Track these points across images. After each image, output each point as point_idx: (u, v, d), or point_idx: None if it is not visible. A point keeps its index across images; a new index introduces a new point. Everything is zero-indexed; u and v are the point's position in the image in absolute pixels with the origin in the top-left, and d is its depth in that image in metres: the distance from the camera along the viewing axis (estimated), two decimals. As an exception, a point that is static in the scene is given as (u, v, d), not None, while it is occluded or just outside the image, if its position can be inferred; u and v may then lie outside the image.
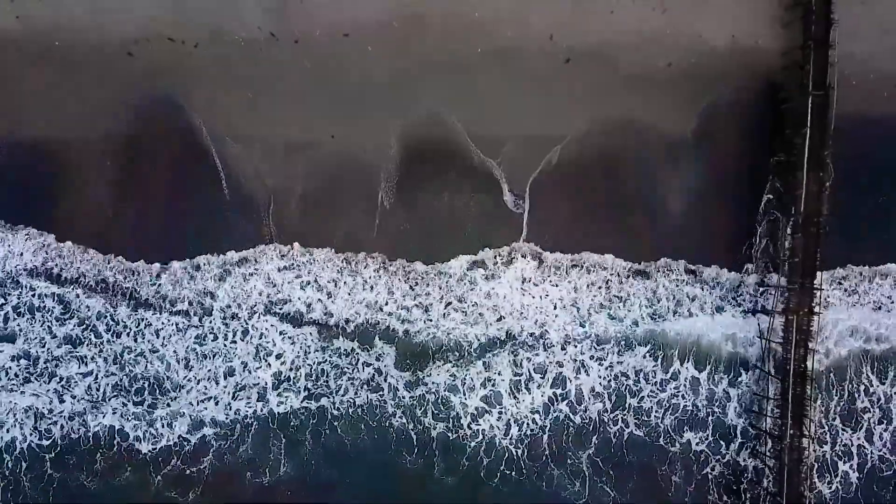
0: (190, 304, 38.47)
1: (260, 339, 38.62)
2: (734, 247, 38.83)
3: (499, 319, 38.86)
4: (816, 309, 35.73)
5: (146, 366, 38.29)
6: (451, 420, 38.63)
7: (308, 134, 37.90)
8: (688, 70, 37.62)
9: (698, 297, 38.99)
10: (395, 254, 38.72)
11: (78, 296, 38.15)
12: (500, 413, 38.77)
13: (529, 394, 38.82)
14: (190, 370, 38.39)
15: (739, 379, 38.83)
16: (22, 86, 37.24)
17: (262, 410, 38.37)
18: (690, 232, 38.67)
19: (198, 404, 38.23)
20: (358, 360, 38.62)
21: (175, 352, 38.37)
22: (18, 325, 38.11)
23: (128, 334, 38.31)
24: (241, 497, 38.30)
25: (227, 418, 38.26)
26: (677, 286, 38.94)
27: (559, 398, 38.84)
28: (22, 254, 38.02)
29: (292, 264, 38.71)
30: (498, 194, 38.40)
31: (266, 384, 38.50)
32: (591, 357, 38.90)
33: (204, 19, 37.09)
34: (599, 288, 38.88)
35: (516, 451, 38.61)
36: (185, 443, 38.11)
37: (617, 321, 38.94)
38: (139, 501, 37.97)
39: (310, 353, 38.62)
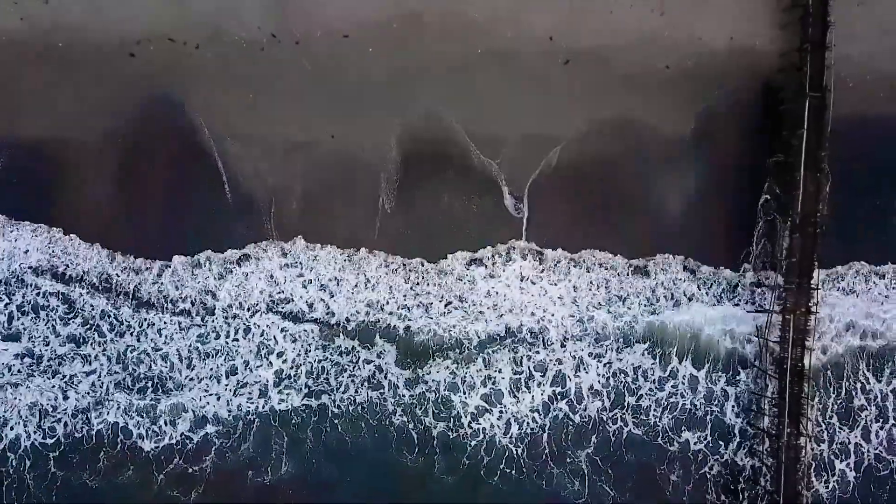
0: (192, 303, 38.66)
1: (262, 336, 38.78)
2: (732, 246, 39.00)
3: (499, 316, 38.99)
4: (813, 308, 35.90)
5: (150, 365, 38.44)
6: (451, 420, 38.75)
7: (308, 134, 38.12)
8: (686, 71, 37.87)
9: (696, 295, 39.14)
10: (396, 252, 38.87)
11: (81, 295, 38.36)
12: (500, 412, 38.88)
13: (529, 392, 38.97)
14: (192, 369, 38.58)
15: (738, 378, 38.98)
16: (25, 85, 37.50)
17: (263, 407, 38.51)
18: (689, 232, 38.87)
19: (200, 399, 38.39)
20: (358, 357, 38.77)
21: (178, 350, 38.53)
22: (23, 323, 38.32)
23: (131, 333, 38.50)
24: (243, 496, 38.40)
25: (229, 415, 38.39)
26: (675, 284, 39.11)
27: (559, 397, 38.97)
28: (27, 251, 38.19)
29: (294, 262, 38.83)
30: (498, 194, 38.57)
31: (268, 382, 38.64)
32: (590, 354, 39.04)
33: (205, 20, 37.33)
34: (599, 287, 39.03)
35: (516, 450, 38.75)
36: (188, 441, 38.24)
37: (616, 318, 39.10)
38: (141, 500, 38.04)
39: (310, 350, 38.77)
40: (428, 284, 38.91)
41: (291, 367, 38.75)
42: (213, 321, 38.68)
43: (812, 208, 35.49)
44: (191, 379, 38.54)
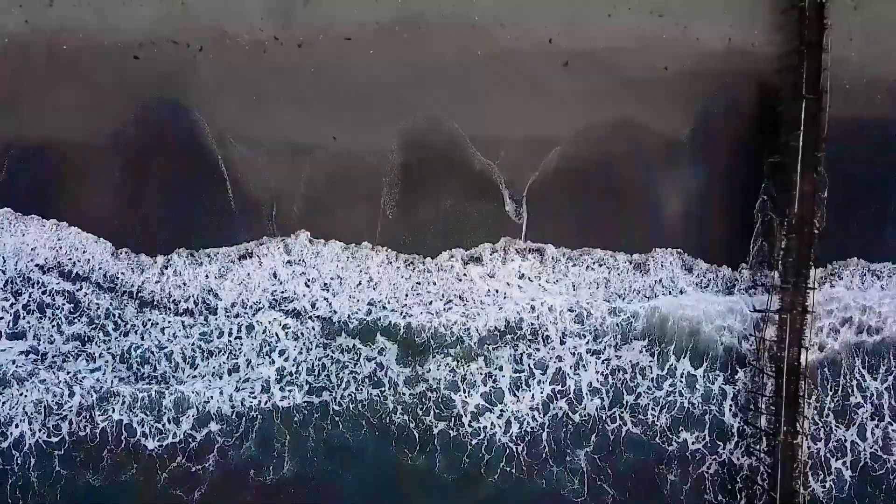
0: (195, 303, 38.95)
1: (264, 333, 39.03)
2: (730, 247, 39.26)
3: (499, 309, 39.19)
4: (810, 308, 36.18)
5: (154, 365, 38.73)
6: (452, 419, 38.97)
7: (310, 136, 38.35)
8: (684, 73, 38.10)
9: (693, 293, 39.53)
10: (397, 251, 39.20)
11: (87, 294, 38.62)
12: (500, 411, 39.13)
13: (529, 390, 39.25)
14: (195, 368, 38.86)
15: (736, 377, 39.21)
16: (30, 88, 37.71)
17: (266, 404, 38.69)
18: (688, 232, 39.15)
19: (203, 394, 38.61)
20: (359, 355, 39.00)
21: (182, 349, 38.83)
22: (28, 322, 38.60)
23: (135, 332, 38.76)
24: (245, 495, 38.63)
25: (232, 411, 38.56)
26: (674, 282, 39.40)
27: (558, 395, 39.19)
28: (34, 248, 38.50)
29: (297, 259, 39.11)
30: (498, 194, 38.86)
31: (269, 379, 38.87)
32: (588, 351, 39.20)
33: (208, 23, 37.58)
34: (598, 286, 39.32)
35: (516, 448, 38.99)
36: (191, 439, 38.48)
37: (615, 314, 39.38)
38: (144, 499, 38.27)
39: (312, 348, 39.03)
40: (428, 283, 39.16)
41: (293, 365, 38.98)
42: (215, 320, 38.95)
43: (808, 209, 35.71)
44: (194, 377, 38.83)
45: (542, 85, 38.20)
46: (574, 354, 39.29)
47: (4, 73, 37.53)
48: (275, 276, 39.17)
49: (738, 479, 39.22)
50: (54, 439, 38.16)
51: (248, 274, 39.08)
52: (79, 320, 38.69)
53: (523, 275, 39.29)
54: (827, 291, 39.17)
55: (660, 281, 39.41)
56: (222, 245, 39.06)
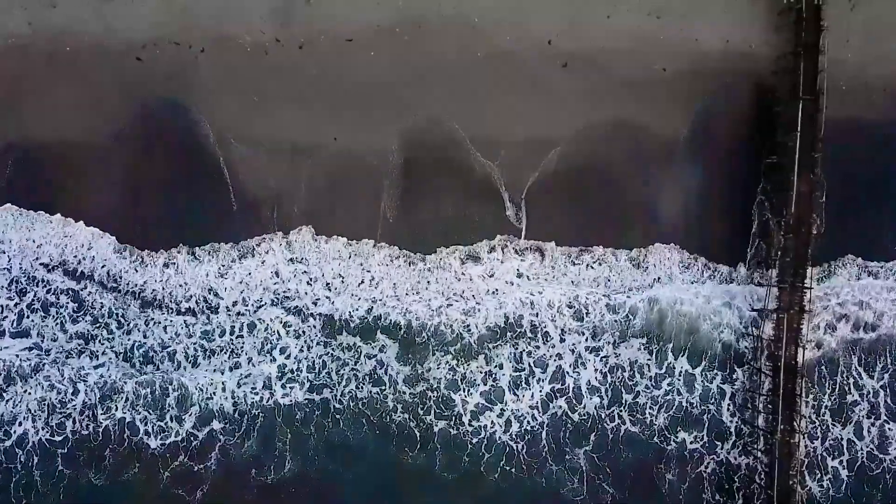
0: (197, 302, 39.23)
1: (265, 331, 39.27)
2: (728, 246, 39.50)
3: (498, 307, 39.41)
4: (807, 307, 36.43)
5: (157, 363, 39.01)
6: (453, 418, 39.20)
7: (311, 136, 38.64)
8: (682, 74, 38.36)
9: (692, 290, 39.81)
10: (398, 250, 39.45)
11: (91, 293, 38.90)
12: (501, 410, 39.34)
13: (529, 389, 39.49)
14: (198, 367, 39.13)
15: (734, 376, 39.41)
16: (34, 89, 38.08)
17: (268, 401, 38.97)
18: (686, 231, 39.41)
19: (206, 389, 38.91)
20: (360, 353, 39.22)
21: (185, 348, 39.08)
22: (33, 321, 38.87)
23: (138, 330, 39.04)
24: (247, 495, 38.86)
25: (234, 410, 38.82)
26: (672, 280, 39.64)
27: (557, 394, 39.40)
28: (41, 245, 38.76)
29: (299, 257, 39.37)
30: (497, 194, 39.09)
31: (271, 377, 39.11)
32: (587, 348, 39.41)
33: (210, 25, 37.95)
34: (597, 283, 39.57)
35: (516, 446, 39.20)
36: (193, 438, 38.73)
37: (614, 311, 39.59)
38: (147, 499, 38.51)
39: (313, 346, 39.25)
40: (428, 281, 39.39)
41: (294, 362, 39.18)
42: (217, 318, 39.22)
43: (805, 209, 35.97)
44: (195, 377, 39.18)
45: (542, 86, 38.49)
46: (573, 352, 39.51)
47: (8, 74, 37.94)
48: (277, 274, 39.43)
49: (736, 479, 39.42)
50: (58, 438, 38.43)
51: (250, 273, 39.33)
52: (83, 319, 39.00)
53: (522, 273, 39.53)
54: (824, 288, 39.39)
55: (658, 279, 39.63)
56: (223, 245, 39.42)
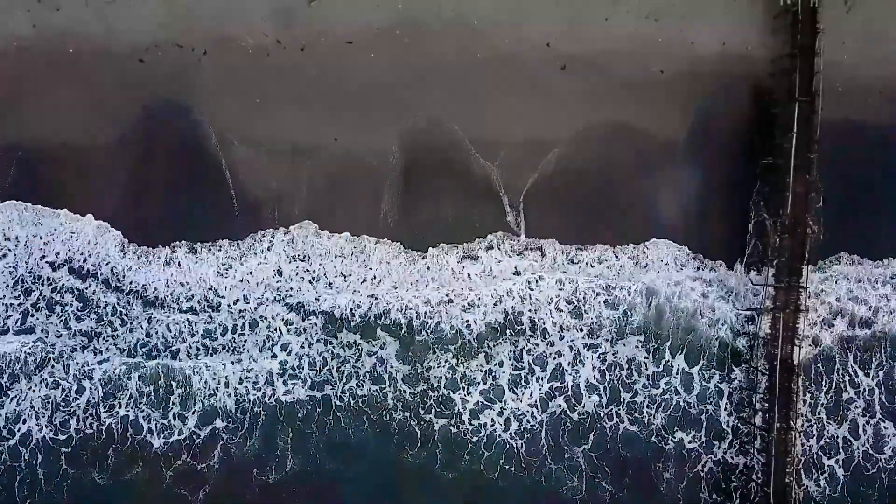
0: (198, 301, 39.46)
1: (267, 328, 39.43)
2: (726, 246, 39.81)
3: (497, 304, 39.63)
4: (803, 307, 36.78)
5: (159, 360, 39.16)
6: (454, 416, 39.39)
7: (312, 137, 38.87)
8: (680, 76, 38.66)
9: (688, 284, 40.12)
10: (399, 249, 39.70)
11: (95, 292, 39.03)
12: (500, 408, 39.56)
13: (528, 387, 39.71)
14: (199, 363, 39.27)
15: (732, 375, 39.67)
16: (37, 90, 38.20)
17: (269, 399, 39.14)
18: (683, 231, 39.75)
19: (208, 385, 39.09)
20: (361, 351, 39.38)
21: (187, 347, 39.31)
22: (37, 318, 38.98)
23: (141, 328, 39.17)
24: (248, 494, 38.98)
25: (237, 408, 38.97)
26: (669, 277, 39.94)
27: (556, 393, 39.64)
28: (47, 242, 38.95)
29: (301, 255, 39.62)
30: (497, 194, 39.38)
31: (273, 375, 39.27)
32: (585, 345, 39.64)
33: (212, 27, 38.14)
34: (596, 281, 39.80)
35: (515, 444, 39.42)
36: (196, 436, 38.89)
37: (612, 308, 39.83)
38: (150, 499, 38.63)
39: (314, 343, 39.44)
40: (429, 279, 39.61)
41: (295, 359, 39.36)
42: (219, 316, 39.41)
43: (801, 209, 36.32)
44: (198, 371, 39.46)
45: (541, 87, 38.78)
46: (572, 349, 39.76)
47: (12, 75, 38.05)
48: (279, 272, 39.66)
49: (733, 478, 39.67)
50: (62, 437, 38.60)
51: (251, 271, 39.54)
52: (87, 317, 39.19)
53: (521, 270, 39.76)
54: (819, 284, 39.73)
55: (657, 274, 39.90)
56: (225, 246, 39.60)
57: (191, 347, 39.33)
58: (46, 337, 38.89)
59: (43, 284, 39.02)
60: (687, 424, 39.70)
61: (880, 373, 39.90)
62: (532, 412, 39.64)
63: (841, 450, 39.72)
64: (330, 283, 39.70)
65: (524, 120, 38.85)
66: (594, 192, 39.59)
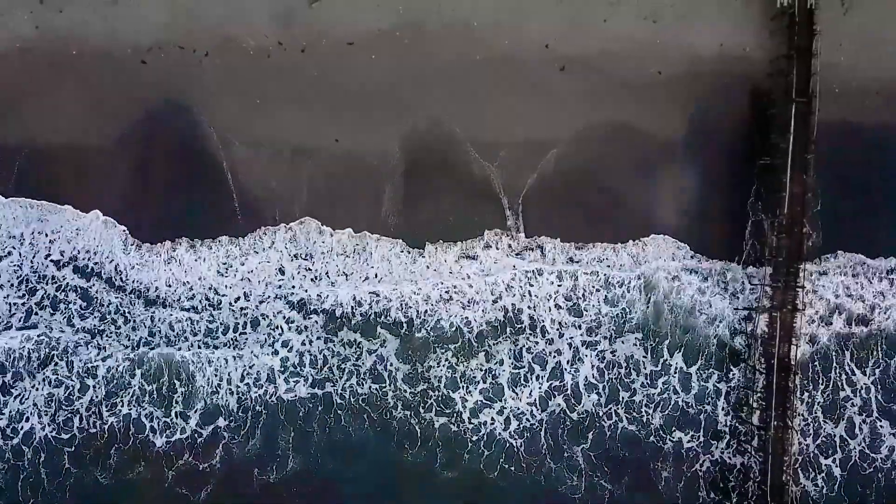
0: (200, 300, 39.60)
1: (268, 326, 39.63)
2: (723, 246, 40.01)
3: (497, 301, 39.90)
4: (800, 306, 37.05)
5: (162, 358, 39.33)
6: (454, 415, 39.61)
7: (313, 138, 39.06)
8: (678, 77, 38.88)
9: (686, 281, 40.32)
10: (400, 246, 39.87)
11: (98, 291, 39.16)
12: (501, 407, 39.78)
13: (528, 386, 39.91)
14: (201, 360, 39.45)
15: (730, 374, 39.89)
16: (40, 92, 38.37)
17: (271, 397, 39.35)
18: (681, 231, 40.00)
19: (210, 384, 39.35)
20: (362, 349, 39.59)
21: (189, 346, 39.51)
22: (41, 317, 39.10)
23: (144, 326, 39.33)
24: (250, 493, 39.18)
25: (238, 406, 39.24)
26: (668, 274, 40.15)
27: (555, 392, 39.86)
28: (53, 240, 39.10)
29: (303, 253, 39.80)
30: (496, 194, 39.59)
31: (274, 373, 39.49)
32: (584, 343, 39.86)
33: (214, 29, 38.35)
34: (594, 279, 40.06)
35: (515, 443, 39.63)
36: (198, 435, 39.12)
37: (611, 305, 40.06)
38: (152, 499, 38.84)
39: (314, 341, 39.62)
40: (429, 278, 39.79)
41: (296, 356, 39.54)
42: (220, 315, 39.59)
43: (797, 209, 36.57)
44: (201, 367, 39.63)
45: (540, 88, 38.99)
46: (571, 346, 39.96)
47: (16, 77, 38.22)
48: (281, 271, 39.86)
49: (731, 477, 39.89)
50: (65, 436, 38.79)
51: (252, 270, 39.73)
52: (91, 315, 39.37)
53: (520, 269, 39.96)
54: (818, 281, 40.01)
55: (654, 269, 40.14)
56: (226, 243, 39.79)
57: (192, 346, 39.49)
58: (51, 332, 39.01)
59: (48, 284, 39.20)
60: (685, 424, 39.92)
61: (877, 371, 40.16)
62: (531, 410, 39.85)
63: (838, 449, 39.93)
64: (332, 283, 39.87)
65: (523, 120, 39.08)
66: (593, 192, 39.84)
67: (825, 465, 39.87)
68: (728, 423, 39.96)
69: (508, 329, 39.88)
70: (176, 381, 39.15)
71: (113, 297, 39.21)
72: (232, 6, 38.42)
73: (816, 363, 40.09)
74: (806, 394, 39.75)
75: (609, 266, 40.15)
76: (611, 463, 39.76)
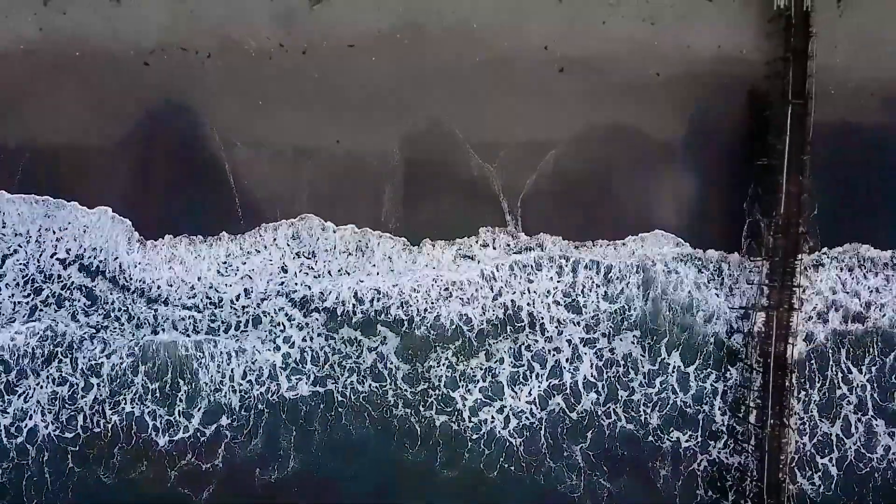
0: (201, 299, 39.83)
1: (270, 324, 39.83)
2: (721, 246, 40.29)
3: (494, 300, 40.10)
4: (796, 306, 37.36)
5: (165, 356, 39.57)
6: (454, 414, 39.86)
7: (314, 139, 39.26)
8: (676, 78, 39.07)
9: (689, 279, 40.65)
10: (401, 244, 40.08)
11: (102, 291, 39.37)
12: (501, 406, 40.02)
13: (527, 384, 40.16)
14: (203, 357, 39.67)
15: (728, 373, 40.15)
16: (43, 93, 38.57)
17: (273, 396, 39.57)
18: (679, 230, 40.28)
19: (213, 381, 39.60)
20: (362, 347, 39.81)
21: (193, 344, 39.67)
22: (45, 313, 39.27)
23: (148, 324, 39.54)
24: (252, 492, 39.45)
25: (241, 406, 39.44)
26: (666, 272, 40.45)
27: (555, 391, 40.11)
28: (60, 238, 39.27)
29: (303, 252, 39.99)
30: (496, 195, 39.82)
31: (276, 370, 39.74)
32: (582, 340, 40.07)
33: (216, 30, 38.51)
34: (592, 278, 40.25)
35: (515, 442, 39.86)
36: (200, 434, 39.36)
37: (611, 302, 40.28)
38: (155, 498, 39.11)
39: (315, 338, 39.86)
40: (429, 276, 39.98)
41: (297, 352, 39.76)
42: (221, 313, 39.81)
43: (794, 209, 36.84)
44: (203, 365, 39.85)
45: (539, 89, 39.17)
46: (570, 344, 40.20)
47: (19, 78, 38.42)
48: (283, 269, 40.06)
49: (728, 477, 40.21)
50: (69, 434, 39.04)
51: (254, 268, 39.95)
52: (95, 313, 39.53)
53: (519, 267, 40.18)
54: (815, 277, 40.33)
55: (653, 265, 40.44)
56: (226, 242, 40.01)
57: (192, 345, 39.83)
58: (56, 326, 39.19)
59: (53, 283, 39.38)
60: (683, 424, 40.20)
61: (873, 368, 40.43)
62: (531, 409, 40.10)
63: (835, 448, 40.20)
64: (333, 279, 40.10)
65: (523, 121, 39.27)
66: (592, 193, 40.05)
67: (822, 463, 40.11)
68: (725, 423, 40.21)
69: (508, 327, 40.10)
70: (180, 380, 39.37)
71: (117, 295, 39.43)
72: (233, 8, 38.60)
73: (813, 361, 40.36)
74: (803, 392, 40.02)
75: (607, 255, 40.32)
76: (609, 462, 40.01)
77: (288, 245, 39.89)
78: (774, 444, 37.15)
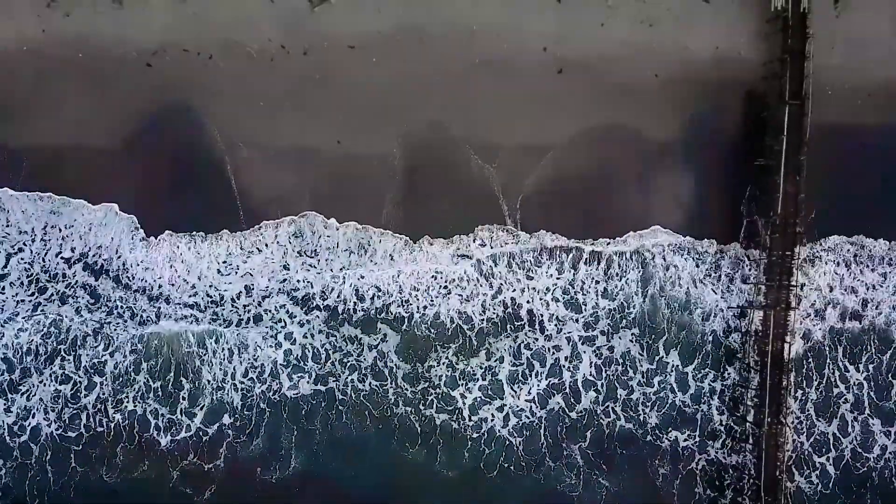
0: (202, 298, 39.99)
1: (270, 321, 39.98)
2: (718, 245, 40.59)
3: (494, 297, 40.27)
4: (793, 304, 37.58)
5: (168, 355, 39.78)
6: (455, 413, 40.05)
7: (315, 140, 39.38)
8: (674, 80, 39.29)
9: (686, 273, 40.81)
10: (402, 242, 40.23)
11: (106, 290, 39.45)
12: (500, 405, 40.22)
13: (527, 383, 40.35)
14: (205, 356, 39.89)
15: (726, 372, 40.39)
16: (46, 94, 38.63)
17: (274, 395, 39.78)
18: (677, 229, 40.54)
19: (215, 379, 39.82)
20: (363, 345, 39.99)
21: (196, 342, 39.90)
22: (49, 310, 39.37)
23: (151, 321, 39.68)
24: (253, 491, 39.62)
25: (243, 405, 39.63)
26: (665, 273, 40.67)
27: (554, 390, 40.31)
28: (65, 237, 39.35)
29: (305, 251, 40.18)
30: (495, 195, 40.02)
31: (277, 367, 39.91)
32: (581, 338, 40.28)
33: (218, 32, 38.62)
34: (591, 276, 40.48)
35: (514, 441, 40.03)
36: (203, 433, 39.53)
37: (610, 300, 40.50)
38: (156, 498, 39.30)
39: (315, 335, 40.00)
40: (429, 276, 40.22)
41: (299, 349, 39.92)
42: (222, 312, 39.98)
43: (791, 209, 37.09)
44: (206, 362, 40.04)
45: (538, 91, 39.38)
46: (570, 342, 40.39)
47: (23, 80, 38.51)
48: (285, 267, 40.28)
49: (726, 476, 40.42)
50: (71, 434, 39.21)
51: (254, 268, 40.11)
52: (98, 311, 39.63)
53: (518, 266, 40.45)
54: (812, 273, 40.61)
55: (652, 264, 40.68)
56: (227, 242, 40.17)
57: (195, 344, 40.07)
58: (61, 322, 39.34)
59: (58, 282, 39.50)
60: (682, 423, 40.45)
61: (870, 366, 40.67)
62: (531, 408, 40.30)
63: (832, 447, 40.41)
64: (333, 278, 40.31)
65: (522, 123, 39.45)
66: (591, 194, 40.26)
67: (819, 462, 40.32)
68: (723, 423, 40.42)
69: (508, 326, 40.31)
70: (182, 379, 39.58)
71: (119, 293, 39.55)
72: (235, 10, 38.73)
73: (810, 360, 40.59)
74: (800, 391, 40.23)
75: (608, 263, 40.50)
76: (608, 461, 40.23)
77: (290, 242, 40.04)
78: (772, 443, 37.37)
